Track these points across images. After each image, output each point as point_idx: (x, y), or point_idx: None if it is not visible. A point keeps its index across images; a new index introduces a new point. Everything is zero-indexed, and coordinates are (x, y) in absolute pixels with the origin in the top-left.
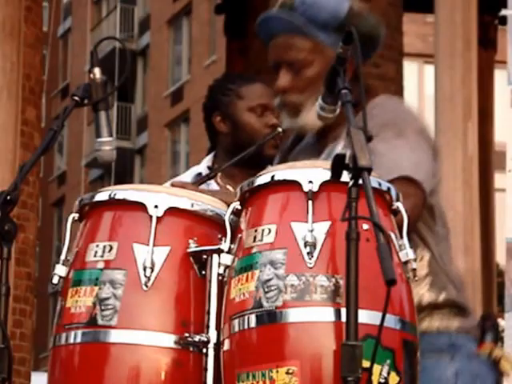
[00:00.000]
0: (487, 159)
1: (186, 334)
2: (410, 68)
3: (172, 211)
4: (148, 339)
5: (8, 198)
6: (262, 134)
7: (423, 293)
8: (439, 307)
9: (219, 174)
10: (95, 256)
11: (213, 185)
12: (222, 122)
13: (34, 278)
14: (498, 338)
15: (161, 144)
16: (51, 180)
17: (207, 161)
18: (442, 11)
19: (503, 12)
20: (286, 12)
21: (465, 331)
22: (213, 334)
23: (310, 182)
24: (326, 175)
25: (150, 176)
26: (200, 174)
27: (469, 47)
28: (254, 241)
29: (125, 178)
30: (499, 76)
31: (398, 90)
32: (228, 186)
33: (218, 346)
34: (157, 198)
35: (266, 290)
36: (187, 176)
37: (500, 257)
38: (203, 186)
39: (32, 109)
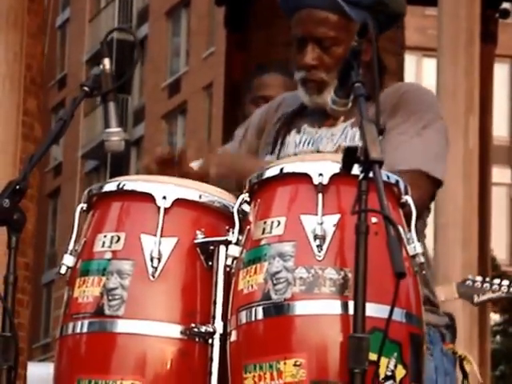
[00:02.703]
0: (485, 153)
1: (192, 325)
2: (408, 61)
3: (180, 202)
4: (154, 329)
5: (17, 187)
6: None
7: None
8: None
9: None
10: (103, 246)
11: None
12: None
13: (31, 268)
14: (456, 338)
15: (157, 136)
16: (47, 171)
17: None
18: (446, 4)
19: (504, 5)
20: None
21: (438, 328)
22: (219, 325)
23: (320, 174)
24: (336, 168)
25: None
26: None
27: (472, 41)
28: (263, 233)
29: (121, 169)
30: (498, 70)
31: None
32: None
33: (224, 336)
34: (165, 189)
35: (275, 282)
36: None
37: (496, 251)
38: None
39: (33, 99)
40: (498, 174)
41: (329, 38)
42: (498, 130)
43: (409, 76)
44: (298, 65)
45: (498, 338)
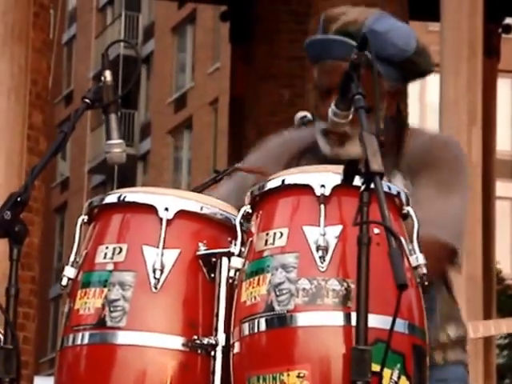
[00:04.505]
0: (489, 167)
1: (195, 337)
2: None
3: (182, 214)
4: (156, 341)
5: (19, 199)
6: None
7: (449, 329)
8: (458, 342)
9: None
10: (104, 258)
11: None
12: None
13: (37, 281)
14: None
15: (163, 150)
16: (54, 186)
17: None
18: (448, 18)
19: (507, 21)
20: (351, 38)
21: (467, 366)
22: (221, 337)
23: (322, 186)
24: (338, 179)
25: (152, 182)
26: (216, 171)
27: (474, 53)
28: (266, 244)
29: (127, 184)
30: (502, 85)
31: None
32: None
33: (227, 348)
34: (167, 200)
35: (278, 293)
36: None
37: (500, 265)
38: None
39: (38, 114)
40: (502, 188)
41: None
42: (502, 144)
43: (412, 91)
44: (320, 115)
45: (504, 352)
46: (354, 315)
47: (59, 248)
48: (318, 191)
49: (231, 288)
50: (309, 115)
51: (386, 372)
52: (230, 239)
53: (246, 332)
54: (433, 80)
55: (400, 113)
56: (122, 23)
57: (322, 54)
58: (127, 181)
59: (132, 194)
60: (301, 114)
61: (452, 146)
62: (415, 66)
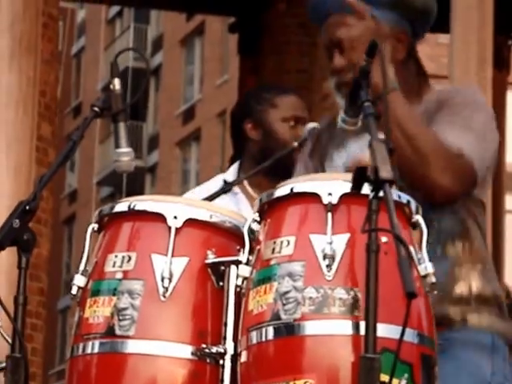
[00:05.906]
0: (498, 180)
1: (203, 345)
2: None
3: (191, 222)
4: (165, 350)
5: (27, 207)
6: (291, 144)
7: (472, 280)
8: (487, 301)
9: (246, 183)
10: (114, 266)
11: (239, 194)
12: (254, 129)
13: (46, 293)
14: None
15: (171, 162)
16: (62, 197)
17: (234, 168)
18: (457, 31)
19: None
20: None
21: (505, 336)
22: (230, 346)
23: (330, 194)
24: (346, 187)
25: (160, 194)
26: (225, 181)
27: (483, 67)
28: (273, 252)
29: (135, 196)
30: (511, 97)
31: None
32: (255, 195)
33: (235, 357)
34: (176, 208)
35: (284, 302)
36: (213, 183)
37: (509, 279)
38: (230, 196)
39: (47, 125)
40: None
41: (350, 38)
42: None
43: None
44: (331, 72)
45: None
46: (361, 324)
47: (67, 260)
48: (326, 199)
49: (239, 296)
50: (318, 127)
51: (394, 381)
52: (238, 247)
53: (254, 341)
54: None
55: (416, 61)
56: (130, 35)
57: (320, 14)
58: (135, 193)
59: (142, 203)
60: (310, 125)
61: (466, 90)
62: (410, 3)
